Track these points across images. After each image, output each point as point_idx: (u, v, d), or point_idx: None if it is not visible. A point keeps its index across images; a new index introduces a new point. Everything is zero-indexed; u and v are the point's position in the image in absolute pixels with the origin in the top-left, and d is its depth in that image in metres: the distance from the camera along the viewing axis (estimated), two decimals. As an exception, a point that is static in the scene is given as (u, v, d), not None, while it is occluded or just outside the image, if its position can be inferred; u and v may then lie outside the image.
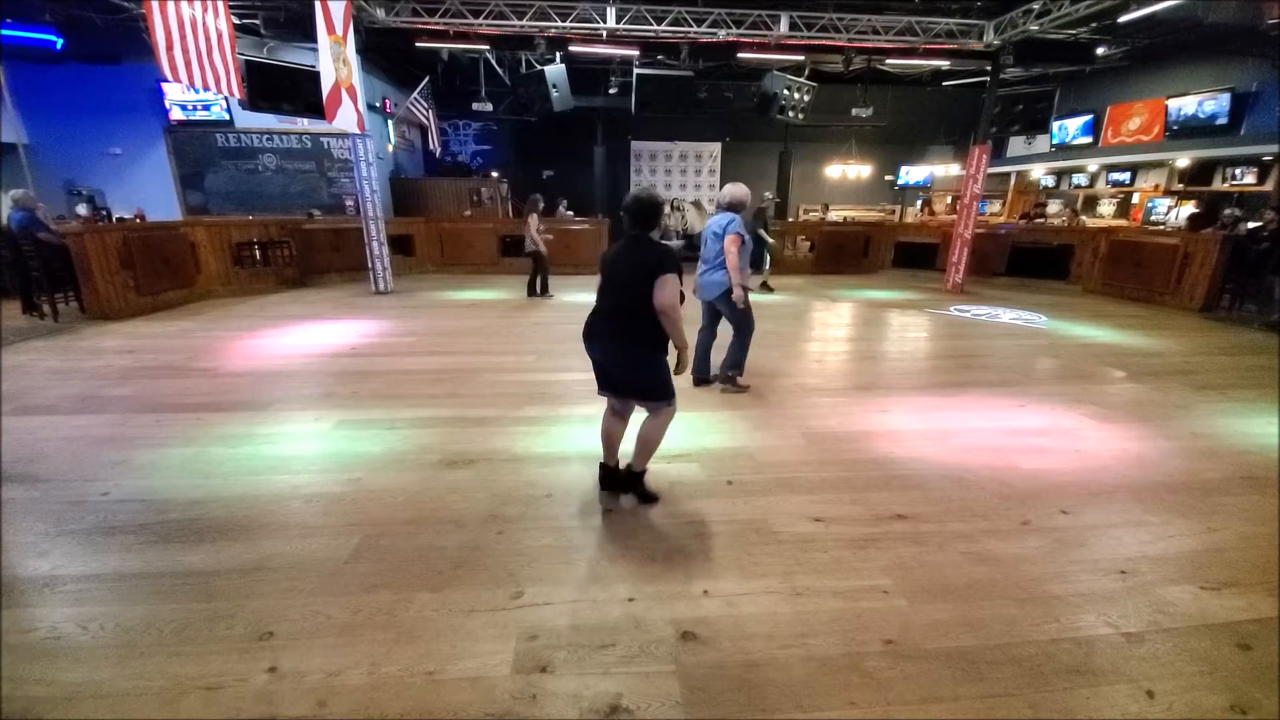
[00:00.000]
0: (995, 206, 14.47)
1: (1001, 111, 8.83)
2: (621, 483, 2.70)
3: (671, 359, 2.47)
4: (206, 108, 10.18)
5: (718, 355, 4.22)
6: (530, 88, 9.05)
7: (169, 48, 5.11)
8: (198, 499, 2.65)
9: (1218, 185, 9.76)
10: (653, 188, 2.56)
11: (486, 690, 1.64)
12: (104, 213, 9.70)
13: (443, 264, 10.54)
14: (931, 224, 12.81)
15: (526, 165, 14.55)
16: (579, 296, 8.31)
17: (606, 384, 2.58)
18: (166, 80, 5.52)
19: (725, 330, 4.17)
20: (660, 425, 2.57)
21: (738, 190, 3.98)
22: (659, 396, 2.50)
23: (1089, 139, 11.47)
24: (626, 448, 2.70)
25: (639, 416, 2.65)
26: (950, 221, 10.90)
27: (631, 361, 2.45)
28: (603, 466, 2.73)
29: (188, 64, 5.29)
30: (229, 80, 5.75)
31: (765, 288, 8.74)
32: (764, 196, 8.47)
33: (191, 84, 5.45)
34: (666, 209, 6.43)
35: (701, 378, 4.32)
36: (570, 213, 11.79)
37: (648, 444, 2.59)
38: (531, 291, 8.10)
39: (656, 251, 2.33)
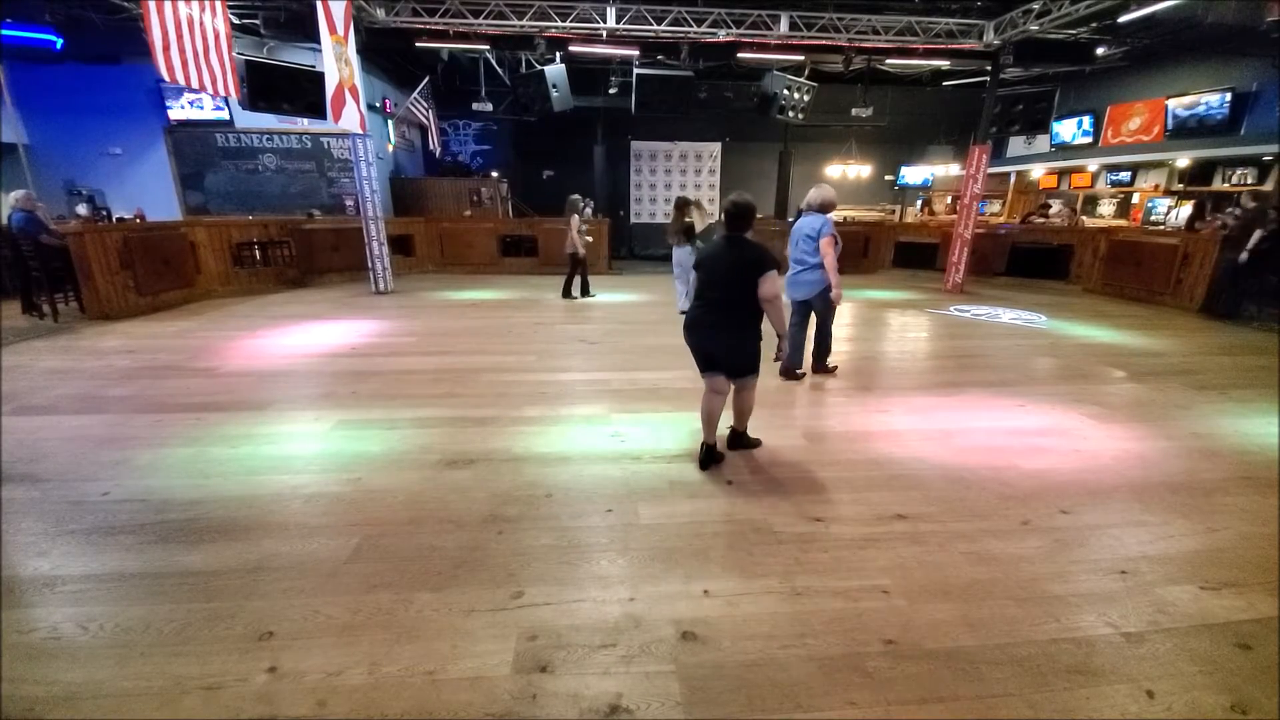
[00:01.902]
0: (995, 206, 14.46)
1: (1001, 111, 8.81)
2: (718, 459, 3.07)
3: (770, 343, 2.88)
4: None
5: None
6: (530, 88, 9.04)
7: (165, 48, 5.10)
8: (198, 499, 2.65)
9: (1218, 185, 9.75)
10: (746, 193, 2.85)
11: (486, 690, 1.64)
12: (104, 213, 9.68)
13: (443, 264, 10.55)
14: (931, 224, 12.80)
15: (526, 165, 14.54)
16: (585, 298, 8.31)
17: (709, 366, 2.92)
18: (163, 80, 5.51)
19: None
20: (751, 395, 3.05)
21: (827, 192, 4.20)
22: (752, 371, 2.92)
23: (1089, 139, 11.47)
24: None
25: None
26: (950, 221, 10.90)
27: (736, 345, 2.82)
28: (705, 445, 3.03)
29: (184, 64, 5.27)
30: (226, 80, 5.74)
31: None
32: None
33: (188, 84, 5.43)
34: (692, 209, 6.74)
35: (793, 369, 4.53)
36: (574, 216, 11.75)
37: (744, 411, 3.10)
38: (567, 293, 8.08)
39: (758, 251, 2.70)
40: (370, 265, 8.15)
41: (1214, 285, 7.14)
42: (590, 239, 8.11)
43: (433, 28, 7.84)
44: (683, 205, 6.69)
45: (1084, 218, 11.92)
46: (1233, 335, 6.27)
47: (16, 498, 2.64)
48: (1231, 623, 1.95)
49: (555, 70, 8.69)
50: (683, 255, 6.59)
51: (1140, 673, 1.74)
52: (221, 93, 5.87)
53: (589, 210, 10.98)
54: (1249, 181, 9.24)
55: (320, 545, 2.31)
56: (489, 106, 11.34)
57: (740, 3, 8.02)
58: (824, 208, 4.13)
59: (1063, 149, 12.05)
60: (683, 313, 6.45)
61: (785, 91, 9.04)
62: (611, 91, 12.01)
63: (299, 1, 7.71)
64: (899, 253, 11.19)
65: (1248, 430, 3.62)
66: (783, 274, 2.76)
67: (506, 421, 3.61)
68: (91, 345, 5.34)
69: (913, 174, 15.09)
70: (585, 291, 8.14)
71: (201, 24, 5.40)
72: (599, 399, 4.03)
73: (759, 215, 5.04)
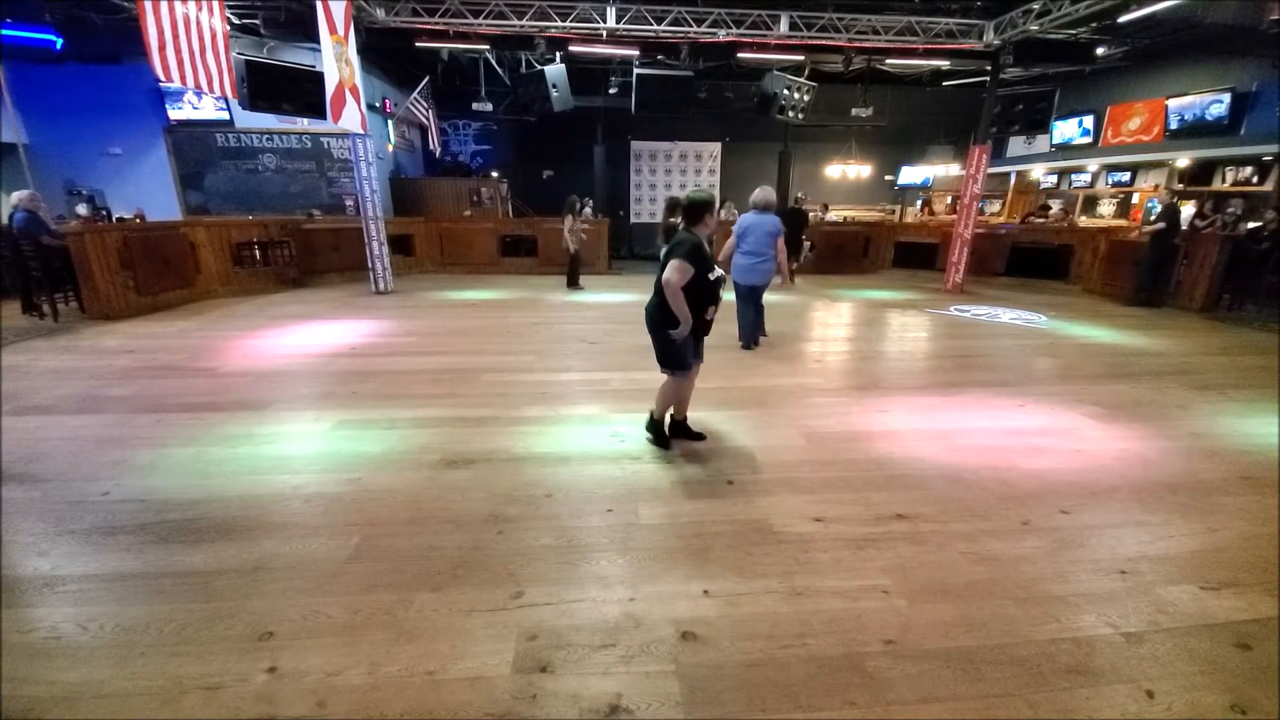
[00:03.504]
0: (995, 206, 14.46)
1: (1001, 111, 8.82)
2: (688, 432, 3.35)
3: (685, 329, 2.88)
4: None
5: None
6: (530, 88, 9.05)
7: (161, 46, 5.07)
8: (198, 499, 2.65)
9: (1218, 185, 9.76)
10: (709, 188, 3.00)
11: (486, 690, 1.64)
12: (104, 213, 9.68)
13: (443, 264, 10.55)
14: (931, 224, 12.79)
15: (526, 165, 14.54)
16: (580, 296, 8.32)
17: None
18: (160, 80, 5.49)
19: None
20: (663, 388, 3.15)
21: (771, 194, 4.93)
22: (662, 363, 3.06)
23: (1089, 139, 11.47)
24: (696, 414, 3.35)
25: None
26: (950, 221, 10.90)
27: (651, 330, 3.02)
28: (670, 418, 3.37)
29: (180, 63, 5.23)
30: (223, 79, 5.71)
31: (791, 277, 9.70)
32: (798, 197, 9.99)
33: (184, 83, 5.40)
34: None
35: (751, 343, 5.37)
36: (573, 214, 11.74)
37: (659, 398, 3.21)
38: (571, 284, 8.87)
39: (676, 240, 2.85)
40: (370, 265, 8.15)
41: (1136, 275, 7.92)
42: (584, 237, 8.60)
43: (433, 28, 7.84)
44: (672, 206, 6.72)
45: (1082, 218, 11.93)
46: (1233, 335, 6.28)
47: (16, 498, 2.64)
48: (1231, 623, 1.95)
49: (555, 70, 8.69)
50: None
51: (1140, 673, 1.74)
52: (218, 92, 5.86)
53: (588, 210, 11.03)
54: (1239, 180, 9.25)
55: (320, 545, 2.31)
56: (489, 106, 11.33)
57: (740, 3, 8.02)
58: (769, 207, 4.89)
59: (1063, 149, 12.06)
60: None
61: (785, 91, 9.04)
62: (611, 91, 12.02)
63: (299, 1, 7.72)
64: (899, 253, 11.19)
65: (1248, 430, 3.62)
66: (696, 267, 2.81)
67: (506, 421, 3.61)
68: (91, 345, 5.33)
69: (913, 174, 15.09)
70: (574, 283, 8.81)
71: (198, 23, 5.38)
72: (599, 399, 4.03)
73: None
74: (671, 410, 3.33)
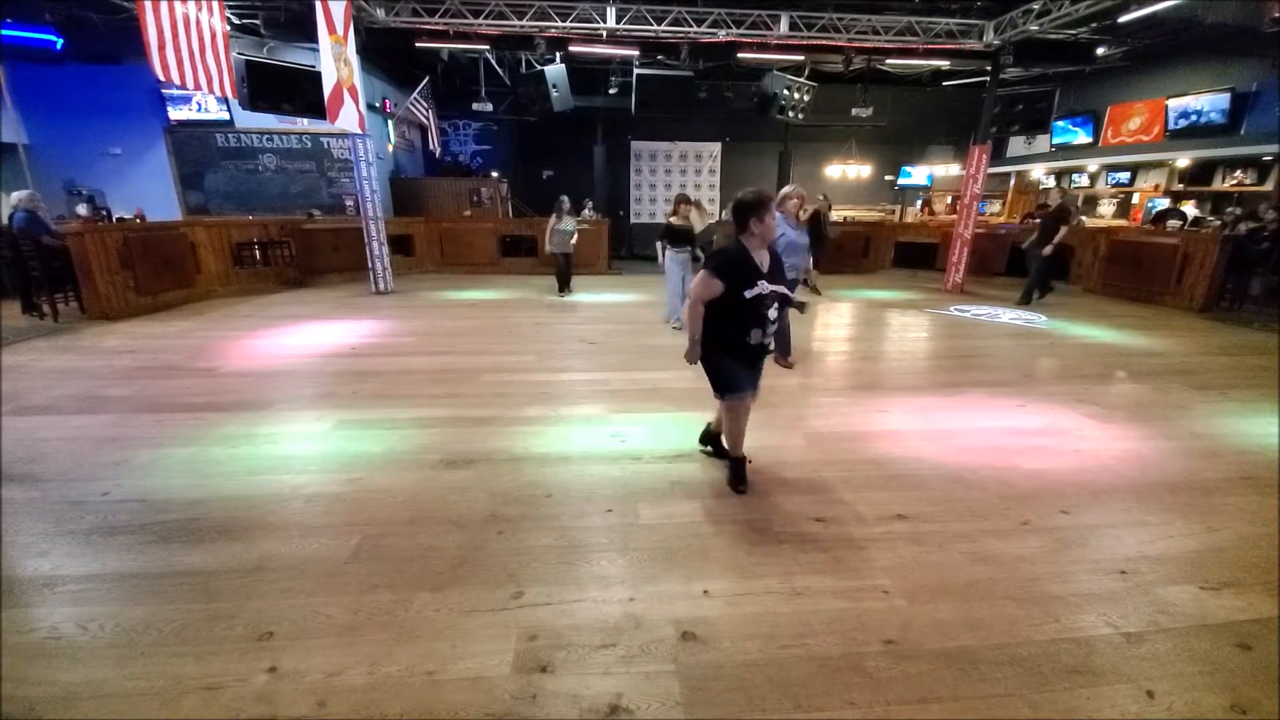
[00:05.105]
0: (995, 206, 14.46)
1: (1001, 111, 8.82)
2: (717, 445, 3.05)
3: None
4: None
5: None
6: (530, 88, 9.06)
7: (161, 46, 5.07)
8: (198, 499, 2.65)
9: (1218, 185, 9.76)
10: (750, 189, 2.57)
11: (486, 690, 1.64)
12: (104, 213, 9.67)
13: (442, 264, 10.55)
14: (931, 224, 12.79)
15: (526, 165, 14.53)
16: (580, 296, 8.32)
17: None
18: (160, 80, 5.49)
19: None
20: (722, 418, 2.84)
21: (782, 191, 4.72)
22: (713, 387, 2.74)
23: (1089, 139, 11.47)
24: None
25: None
26: (950, 221, 10.90)
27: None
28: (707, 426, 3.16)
29: (179, 63, 5.23)
30: (222, 79, 5.71)
31: (815, 290, 9.04)
32: (818, 197, 9.44)
33: (183, 83, 5.40)
34: (690, 208, 6.33)
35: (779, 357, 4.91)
36: (578, 214, 11.64)
37: (723, 433, 2.89)
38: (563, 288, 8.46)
39: (714, 250, 2.67)
40: (370, 265, 8.15)
41: (1031, 276, 7.94)
42: (574, 240, 8.11)
43: (433, 28, 7.85)
44: (677, 202, 6.51)
45: (1082, 218, 11.90)
46: (1233, 335, 6.27)
47: (16, 498, 2.64)
48: (1231, 623, 1.95)
49: (555, 70, 8.70)
50: (671, 257, 6.22)
51: (1140, 673, 1.74)
52: (218, 92, 5.86)
53: (587, 210, 11.00)
54: (1248, 181, 9.26)
55: (320, 545, 2.31)
56: (489, 106, 11.33)
57: (740, 3, 8.02)
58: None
59: (1063, 149, 12.05)
60: (668, 322, 6.29)
61: (785, 91, 9.04)
62: (611, 91, 12.00)
63: (299, 1, 7.72)
64: (899, 253, 11.19)
65: (1248, 430, 3.62)
66: (725, 276, 2.49)
67: (506, 421, 3.61)
68: (91, 345, 5.33)
69: (913, 174, 15.09)
70: (562, 288, 8.38)
71: (198, 22, 5.38)
72: (599, 399, 4.03)
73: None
74: (711, 423, 3.09)
